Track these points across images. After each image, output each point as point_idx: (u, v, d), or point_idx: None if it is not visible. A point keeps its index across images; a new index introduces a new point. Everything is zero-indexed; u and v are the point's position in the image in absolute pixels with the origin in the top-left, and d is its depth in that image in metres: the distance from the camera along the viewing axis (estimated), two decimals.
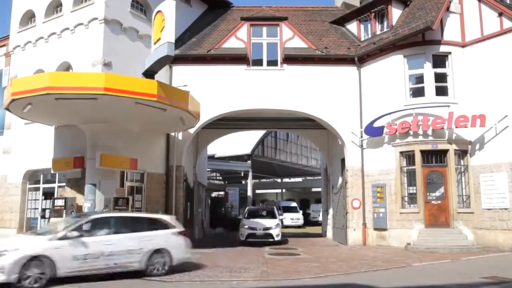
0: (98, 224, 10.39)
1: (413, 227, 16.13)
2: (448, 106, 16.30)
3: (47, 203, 16.74)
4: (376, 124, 17.47)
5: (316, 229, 28.37)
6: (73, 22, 16.77)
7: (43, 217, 16.58)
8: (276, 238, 18.80)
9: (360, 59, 18.39)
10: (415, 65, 17.25)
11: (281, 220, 26.33)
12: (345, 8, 21.81)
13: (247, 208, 23.09)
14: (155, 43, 14.56)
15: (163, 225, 11.25)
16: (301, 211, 38.54)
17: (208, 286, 9.48)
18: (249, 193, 35.33)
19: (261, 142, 37.91)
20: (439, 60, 17.08)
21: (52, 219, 15.15)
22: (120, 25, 16.68)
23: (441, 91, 16.93)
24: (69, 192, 15.82)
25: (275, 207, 23.02)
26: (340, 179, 19.86)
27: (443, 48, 16.96)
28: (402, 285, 9.50)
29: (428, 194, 16.54)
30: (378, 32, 18.99)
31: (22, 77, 15.91)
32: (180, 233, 11.36)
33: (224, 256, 14.40)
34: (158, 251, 10.58)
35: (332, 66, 18.56)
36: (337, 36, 19.82)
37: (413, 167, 16.71)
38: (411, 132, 16.67)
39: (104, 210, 14.39)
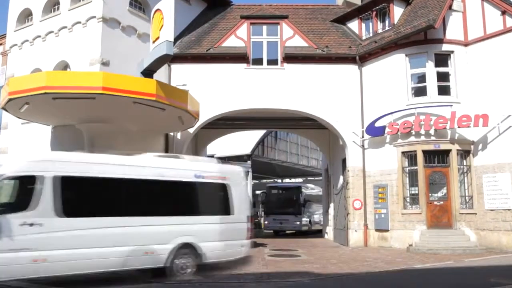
0: None
1: (415, 228, 15.95)
2: (451, 105, 16.12)
3: None
4: (377, 124, 17.29)
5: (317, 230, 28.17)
6: (71, 20, 16.63)
7: None
8: None
9: (362, 58, 18.20)
10: (417, 64, 17.07)
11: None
12: (346, 7, 21.62)
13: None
14: (153, 42, 14.42)
15: None
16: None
17: None
18: (249, 193, 35.07)
19: (261, 142, 37.70)
20: (442, 59, 16.91)
21: None
22: (118, 24, 16.53)
23: (444, 90, 16.74)
24: None
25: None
26: (341, 179, 19.67)
27: (445, 47, 16.79)
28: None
29: (430, 194, 16.35)
30: (380, 31, 18.82)
31: (19, 76, 15.75)
32: None
33: None
34: None
35: (333, 65, 18.37)
36: (338, 35, 19.64)
37: (415, 168, 16.53)
38: (413, 132, 16.49)
39: None
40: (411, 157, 16.77)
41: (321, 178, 27.31)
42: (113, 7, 16.37)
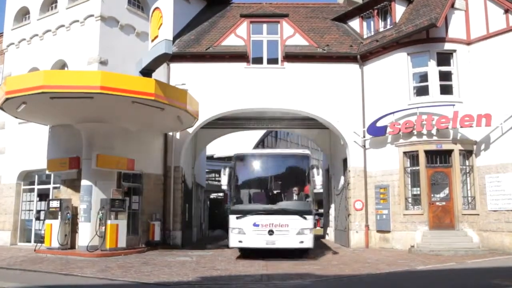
0: None
1: (417, 229, 15.79)
2: (453, 105, 15.95)
3: (42, 204, 16.43)
4: (379, 124, 17.12)
5: (317, 231, 27.98)
6: (69, 19, 16.46)
7: (37, 218, 16.28)
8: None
9: (363, 57, 18.03)
10: (419, 63, 16.89)
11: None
12: (347, 5, 21.45)
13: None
14: (152, 40, 14.32)
15: None
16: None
17: None
18: None
19: (261, 142, 37.61)
20: (444, 58, 16.74)
21: (47, 221, 14.87)
22: (116, 22, 16.37)
23: (446, 89, 16.57)
24: (65, 193, 15.53)
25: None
26: (342, 180, 19.50)
27: (447, 46, 16.61)
28: None
29: (432, 195, 16.18)
30: (381, 30, 18.63)
31: (16, 76, 15.56)
32: None
33: (223, 259, 14.06)
34: None
35: (334, 64, 18.20)
36: (339, 34, 19.46)
37: (417, 168, 16.36)
38: (415, 132, 16.32)
39: (100, 212, 14.11)
40: (413, 157, 16.60)
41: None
42: (112, 5, 16.20)
